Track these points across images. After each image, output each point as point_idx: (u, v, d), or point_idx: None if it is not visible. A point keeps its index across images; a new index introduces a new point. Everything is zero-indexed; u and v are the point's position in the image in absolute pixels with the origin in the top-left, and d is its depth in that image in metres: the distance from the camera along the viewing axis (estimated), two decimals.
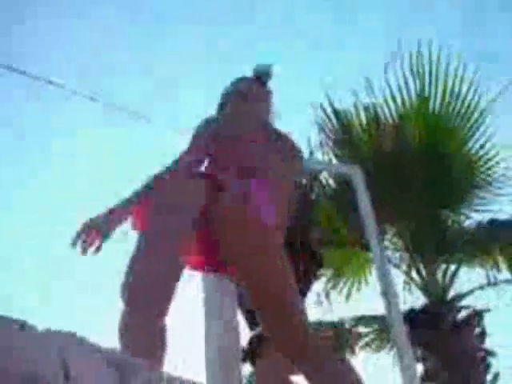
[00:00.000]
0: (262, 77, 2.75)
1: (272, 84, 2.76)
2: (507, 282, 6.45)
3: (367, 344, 6.67)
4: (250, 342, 2.99)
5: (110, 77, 8.13)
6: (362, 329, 6.60)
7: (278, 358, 2.73)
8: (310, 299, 4.47)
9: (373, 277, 6.32)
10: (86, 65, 7.67)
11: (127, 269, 2.01)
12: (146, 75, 9.02)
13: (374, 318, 6.38)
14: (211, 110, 2.73)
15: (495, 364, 5.86)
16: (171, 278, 2.04)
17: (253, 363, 2.93)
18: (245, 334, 2.99)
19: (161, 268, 2.01)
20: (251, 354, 2.93)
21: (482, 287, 6.34)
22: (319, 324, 6.16)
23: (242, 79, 2.80)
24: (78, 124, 7.66)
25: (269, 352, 2.86)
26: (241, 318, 3.04)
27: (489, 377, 5.75)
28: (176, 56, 9.22)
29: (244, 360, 2.95)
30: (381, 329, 6.38)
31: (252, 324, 3.12)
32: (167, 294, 2.00)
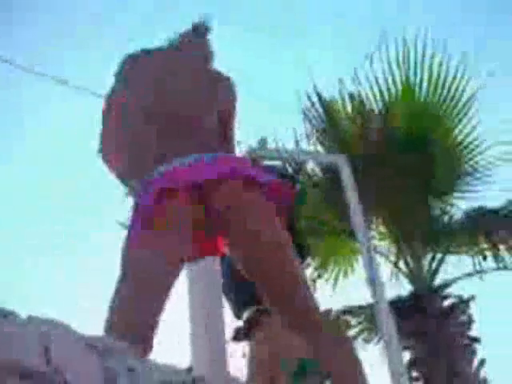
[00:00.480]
0: (198, 28, 2.73)
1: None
2: (493, 269, 6.48)
3: (354, 337, 6.69)
4: (245, 321, 3.00)
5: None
6: (349, 319, 6.61)
7: (275, 333, 2.74)
8: None
9: (359, 266, 6.32)
10: None
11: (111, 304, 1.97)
12: None
13: (361, 308, 6.40)
14: None
15: (481, 351, 5.91)
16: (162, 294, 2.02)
17: (247, 337, 2.93)
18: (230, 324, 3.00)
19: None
20: (247, 328, 2.94)
21: (468, 275, 6.37)
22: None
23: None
24: None
25: (266, 325, 2.87)
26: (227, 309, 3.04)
27: (475, 364, 5.79)
28: None
29: (236, 338, 2.95)
30: (368, 319, 6.39)
31: (237, 314, 3.12)
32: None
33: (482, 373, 5.77)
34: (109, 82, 2.43)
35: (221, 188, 2.15)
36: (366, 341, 6.75)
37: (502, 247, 6.35)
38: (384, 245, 6.51)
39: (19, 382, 1.14)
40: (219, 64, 2.71)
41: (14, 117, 7.93)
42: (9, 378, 1.13)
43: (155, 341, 1.89)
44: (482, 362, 5.80)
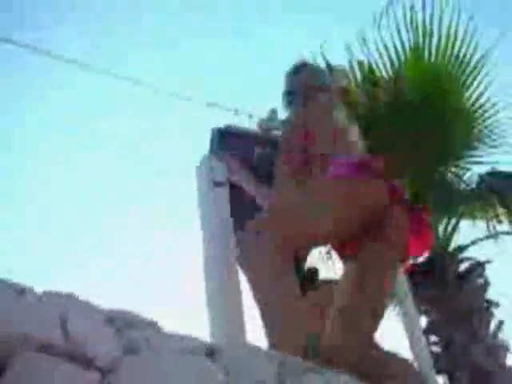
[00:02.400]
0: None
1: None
2: (508, 233, 6.45)
3: None
4: None
5: None
6: None
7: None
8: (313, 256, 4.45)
9: None
10: None
11: None
12: None
13: None
14: None
15: (498, 313, 5.90)
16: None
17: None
18: None
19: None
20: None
21: (483, 239, 6.35)
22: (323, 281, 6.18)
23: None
24: None
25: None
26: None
27: (492, 326, 5.79)
28: None
29: None
30: None
31: None
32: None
33: (501, 335, 5.77)
34: None
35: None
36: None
37: None
38: None
39: (36, 355, 1.14)
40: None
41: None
42: (26, 351, 1.13)
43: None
44: (500, 325, 5.80)
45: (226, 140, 3.38)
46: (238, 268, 2.86)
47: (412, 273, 5.47)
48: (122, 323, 1.32)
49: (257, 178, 3.09)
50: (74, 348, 1.21)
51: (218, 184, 3.04)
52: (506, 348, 5.69)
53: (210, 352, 1.43)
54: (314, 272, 3.24)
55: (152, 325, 1.38)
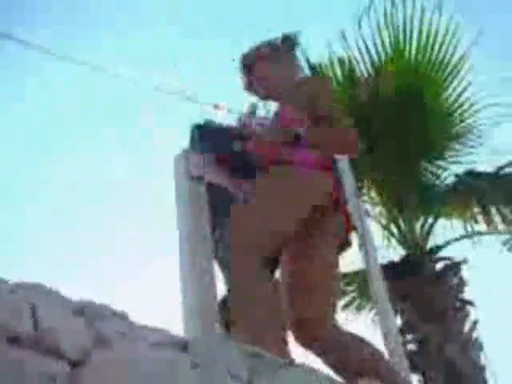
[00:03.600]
0: (287, 41, 2.91)
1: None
2: (484, 233, 6.49)
3: (347, 305, 6.73)
4: None
5: None
6: (342, 286, 6.63)
7: None
8: None
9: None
10: None
11: None
12: None
13: (354, 274, 6.40)
14: None
15: (473, 313, 5.94)
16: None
17: None
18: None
19: None
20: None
21: (459, 239, 6.38)
22: None
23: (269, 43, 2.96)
24: None
25: None
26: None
27: (467, 326, 5.82)
28: None
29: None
30: (361, 286, 6.40)
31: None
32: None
33: (475, 334, 5.80)
34: None
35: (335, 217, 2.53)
36: (359, 308, 6.79)
37: (493, 210, 6.36)
38: (376, 209, 6.51)
39: (6, 345, 1.13)
40: None
41: None
42: None
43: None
44: (475, 324, 5.84)
45: (206, 135, 3.36)
46: (214, 263, 2.85)
47: (389, 271, 5.50)
48: (92, 315, 1.31)
49: (231, 172, 3.08)
50: (45, 339, 1.19)
51: (195, 179, 3.02)
52: (480, 347, 5.73)
53: (183, 346, 1.42)
54: None
55: (123, 317, 1.37)
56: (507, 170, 6.30)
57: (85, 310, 1.32)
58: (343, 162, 3.86)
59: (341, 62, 6.13)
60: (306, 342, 2.37)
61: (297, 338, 2.38)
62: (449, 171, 6.51)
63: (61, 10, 7.85)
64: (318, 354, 2.37)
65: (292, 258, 2.47)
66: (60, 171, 8.68)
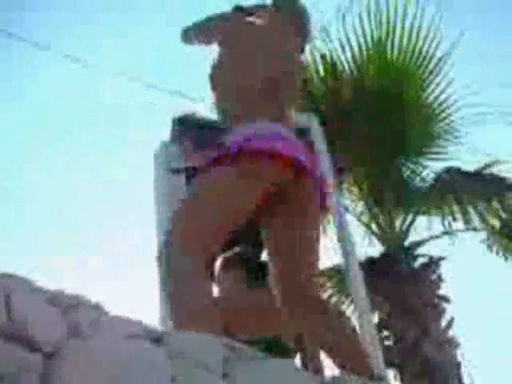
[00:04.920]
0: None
1: None
2: (463, 230, 6.53)
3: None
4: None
5: None
6: (322, 281, 6.64)
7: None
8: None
9: (332, 228, 6.33)
10: None
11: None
12: None
13: (333, 270, 6.42)
14: None
15: (450, 310, 5.98)
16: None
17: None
18: None
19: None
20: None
21: (438, 236, 6.42)
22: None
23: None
24: None
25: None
26: None
27: (443, 322, 5.86)
28: None
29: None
30: (340, 281, 6.42)
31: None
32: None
33: (451, 332, 5.85)
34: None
35: (304, 186, 2.37)
36: (337, 303, 6.81)
37: (470, 209, 6.40)
38: (356, 206, 6.53)
39: None
40: None
41: None
42: None
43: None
44: (451, 321, 5.88)
45: (187, 128, 3.37)
46: None
47: (368, 268, 5.53)
48: (66, 305, 1.30)
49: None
50: (17, 329, 1.18)
51: (174, 171, 3.03)
52: (455, 343, 5.77)
53: (157, 338, 1.41)
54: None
55: (97, 308, 1.36)
56: (487, 170, 6.36)
57: (59, 300, 1.31)
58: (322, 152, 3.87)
59: (323, 57, 6.13)
60: (295, 304, 2.35)
61: (286, 302, 2.36)
62: (429, 169, 6.55)
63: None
64: (304, 318, 2.36)
65: (278, 233, 2.44)
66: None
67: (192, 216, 2.21)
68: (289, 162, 2.29)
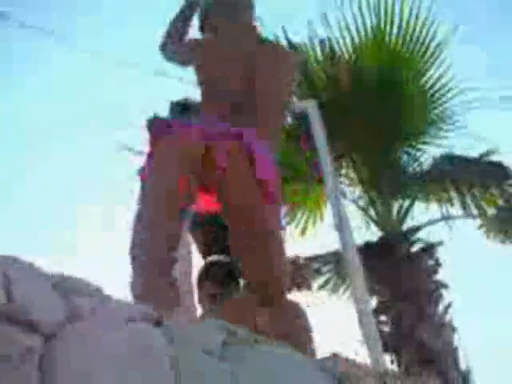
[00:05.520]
0: None
1: None
2: (460, 217, 6.55)
3: (322, 285, 6.77)
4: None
5: None
6: (318, 266, 6.66)
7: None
8: None
9: (328, 211, 6.34)
10: None
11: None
12: None
13: (329, 255, 6.44)
14: None
15: (447, 296, 6.00)
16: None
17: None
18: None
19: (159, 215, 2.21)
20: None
21: (435, 221, 6.43)
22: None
23: None
24: None
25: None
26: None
27: (441, 308, 5.88)
28: None
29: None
30: (337, 266, 6.44)
31: (205, 254, 3.12)
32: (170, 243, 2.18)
33: (448, 316, 5.87)
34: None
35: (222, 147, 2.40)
36: (335, 288, 6.84)
37: (468, 195, 6.42)
38: (353, 190, 6.54)
39: None
40: None
41: None
42: None
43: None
44: (448, 307, 5.90)
45: (186, 113, 3.36)
46: (190, 243, 2.86)
47: (365, 253, 5.53)
48: (67, 289, 1.31)
49: None
50: (18, 311, 1.19)
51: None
52: (452, 328, 5.80)
53: (157, 321, 1.42)
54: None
55: (98, 292, 1.37)
56: (486, 157, 6.37)
57: (59, 284, 1.32)
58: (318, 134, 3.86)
59: (321, 41, 6.11)
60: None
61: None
62: (427, 154, 6.55)
63: None
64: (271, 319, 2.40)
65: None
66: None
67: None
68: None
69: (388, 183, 6.26)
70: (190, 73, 3.09)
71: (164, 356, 1.36)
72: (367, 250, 5.86)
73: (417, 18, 6.03)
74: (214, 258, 3.12)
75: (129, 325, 1.37)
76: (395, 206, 6.34)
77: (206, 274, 3.05)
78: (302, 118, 5.06)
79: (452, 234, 6.42)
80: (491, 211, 6.51)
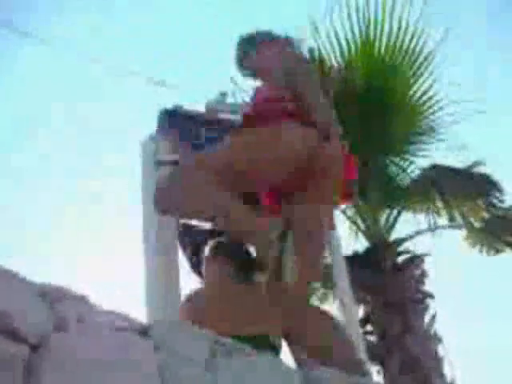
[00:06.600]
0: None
1: None
2: (447, 227, 6.57)
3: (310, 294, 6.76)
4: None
5: None
6: None
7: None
8: None
9: None
10: None
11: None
12: None
13: None
14: None
15: (434, 306, 6.01)
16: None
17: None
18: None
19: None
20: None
21: (422, 232, 6.45)
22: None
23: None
24: None
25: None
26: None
27: (427, 318, 5.89)
28: None
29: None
30: (325, 275, 6.43)
31: (194, 267, 3.11)
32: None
33: (434, 327, 5.88)
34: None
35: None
36: (323, 297, 6.83)
37: (454, 206, 6.44)
38: None
39: None
40: None
41: None
42: None
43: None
44: (434, 317, 5.91)
45: (174, 120, 3.36)
46: (177, 249, 2.85)
47: (353, 262, 5.53)
48: (52, 297, 1.30)
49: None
50: (3, 320, 1.18)
51: (161, 163, 3.03)
52: (438, 339, 5.81)
53: (143, 330, 1.41)
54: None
55: (83, 300, 1.36)
56: (473, 168, 6.40)
57: (45, 293, 1.31)
58: None
59: (311, 51, 6.12)
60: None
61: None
62: (414, 165, 6.57)
63: None
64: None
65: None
66: None
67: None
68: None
69: (375, 193, 6.27)
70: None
71: (150, 365, 1.35)
72: (355, 259, 5.86)
73: (406, 27, 6.05)
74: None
75: (115, 334, 1.36)
76: (383, 217, 6.36)
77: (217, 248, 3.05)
78: None
79: (439, 244, 6.44)
80: (477, 223, 6.53)
